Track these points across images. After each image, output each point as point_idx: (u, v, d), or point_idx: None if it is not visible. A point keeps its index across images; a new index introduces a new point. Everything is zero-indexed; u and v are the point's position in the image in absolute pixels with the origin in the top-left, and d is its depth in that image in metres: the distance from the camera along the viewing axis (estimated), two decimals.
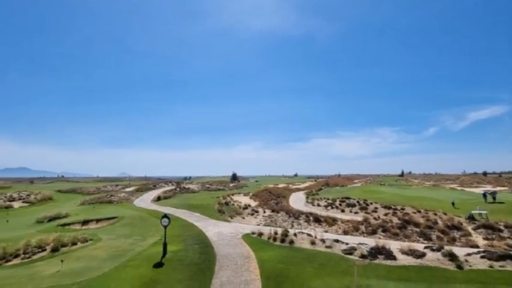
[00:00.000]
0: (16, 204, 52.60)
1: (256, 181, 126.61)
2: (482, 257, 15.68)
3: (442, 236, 23.22)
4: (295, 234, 20.61)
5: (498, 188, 67.74)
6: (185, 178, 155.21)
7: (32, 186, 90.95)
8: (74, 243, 20.81)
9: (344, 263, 15.24)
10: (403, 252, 16.60)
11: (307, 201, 46.86)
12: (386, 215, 32.69)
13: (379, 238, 21.98)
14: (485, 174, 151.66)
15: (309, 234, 20.75)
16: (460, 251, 16.74)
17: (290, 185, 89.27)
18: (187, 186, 74.70)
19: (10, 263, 17.88)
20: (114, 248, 19.64)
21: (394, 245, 17.90)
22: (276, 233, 20.74)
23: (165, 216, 18.79)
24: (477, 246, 19.48)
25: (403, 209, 34.51)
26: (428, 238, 23.00)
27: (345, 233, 24.70)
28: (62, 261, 16.36)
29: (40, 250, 19.57)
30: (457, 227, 25.21)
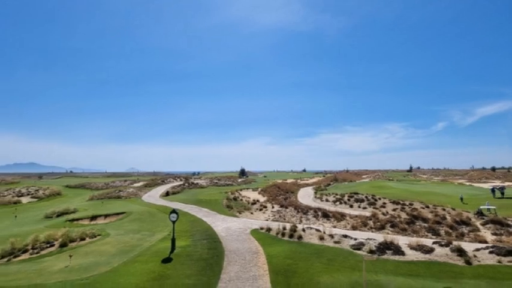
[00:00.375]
0: (25, 200, 53.36)
1: (265, 176, 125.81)
2: (490, 252, 15.51)
3: (450, 231, 23.01)
4: (303, 230, 20.60)
5: (507, 183, 67.01)
6: (194, 173, 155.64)
7: (41, 182, 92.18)
8: (83, 239, 21.04)
9: (352, 258, 15.19)
10: (412, 247, 16.50)
11: (315, 197, 46.66)
12: (394, 210, 32.44)
13: (388, 233, 21.86)
14: (493, 169, 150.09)
15: (317, 230, 20.71)
16: (468, 247, 16.59)
17: (298, 181, 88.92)
18: (195, 182, 74.72)
19: (19, 258, 18.09)
20: (122, 243, 19.83)
21: (402, 241, 17.79)
22: (284, 228, 20.74)
23: (174, 211, 18.87)
24: (486, 242, 19.28)
25: (411, 204, 34.23)
26: (436, 233, 22.82)
27: (354, 228, 24.63)
28: (70, 256, 16.56)
29: (48, 245, 19.82)
30: (466, 223, 24.94)
